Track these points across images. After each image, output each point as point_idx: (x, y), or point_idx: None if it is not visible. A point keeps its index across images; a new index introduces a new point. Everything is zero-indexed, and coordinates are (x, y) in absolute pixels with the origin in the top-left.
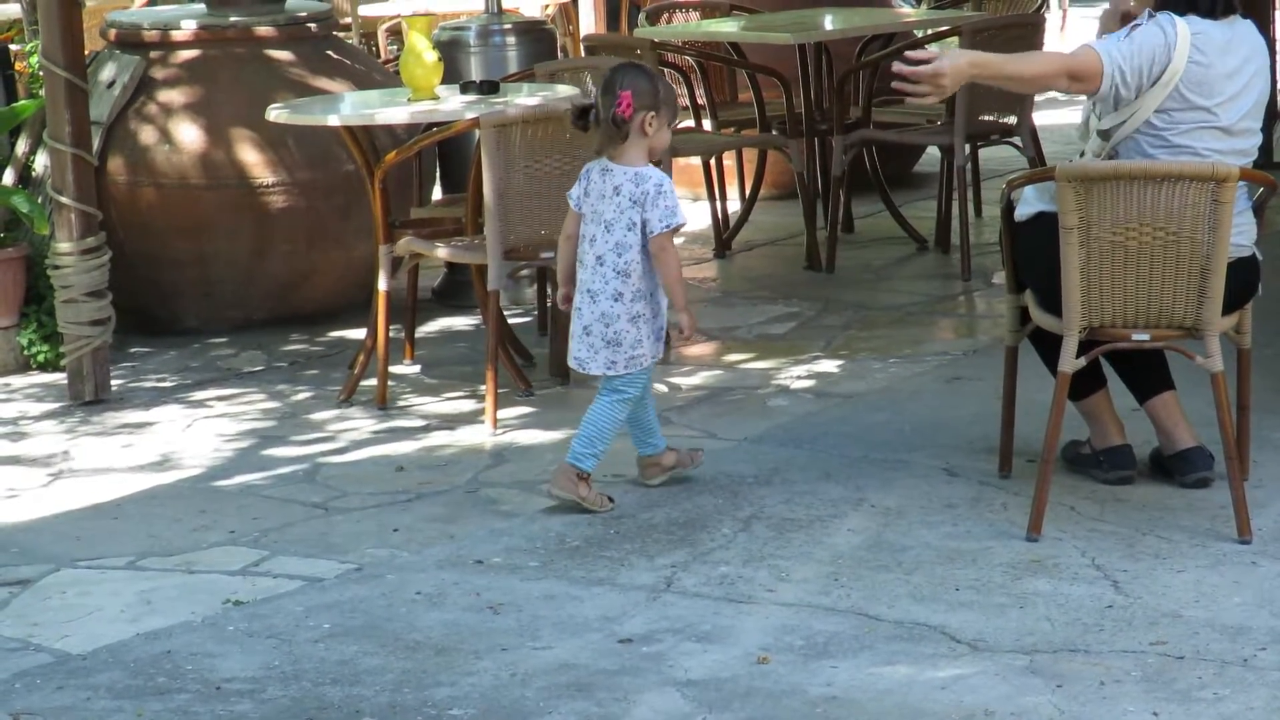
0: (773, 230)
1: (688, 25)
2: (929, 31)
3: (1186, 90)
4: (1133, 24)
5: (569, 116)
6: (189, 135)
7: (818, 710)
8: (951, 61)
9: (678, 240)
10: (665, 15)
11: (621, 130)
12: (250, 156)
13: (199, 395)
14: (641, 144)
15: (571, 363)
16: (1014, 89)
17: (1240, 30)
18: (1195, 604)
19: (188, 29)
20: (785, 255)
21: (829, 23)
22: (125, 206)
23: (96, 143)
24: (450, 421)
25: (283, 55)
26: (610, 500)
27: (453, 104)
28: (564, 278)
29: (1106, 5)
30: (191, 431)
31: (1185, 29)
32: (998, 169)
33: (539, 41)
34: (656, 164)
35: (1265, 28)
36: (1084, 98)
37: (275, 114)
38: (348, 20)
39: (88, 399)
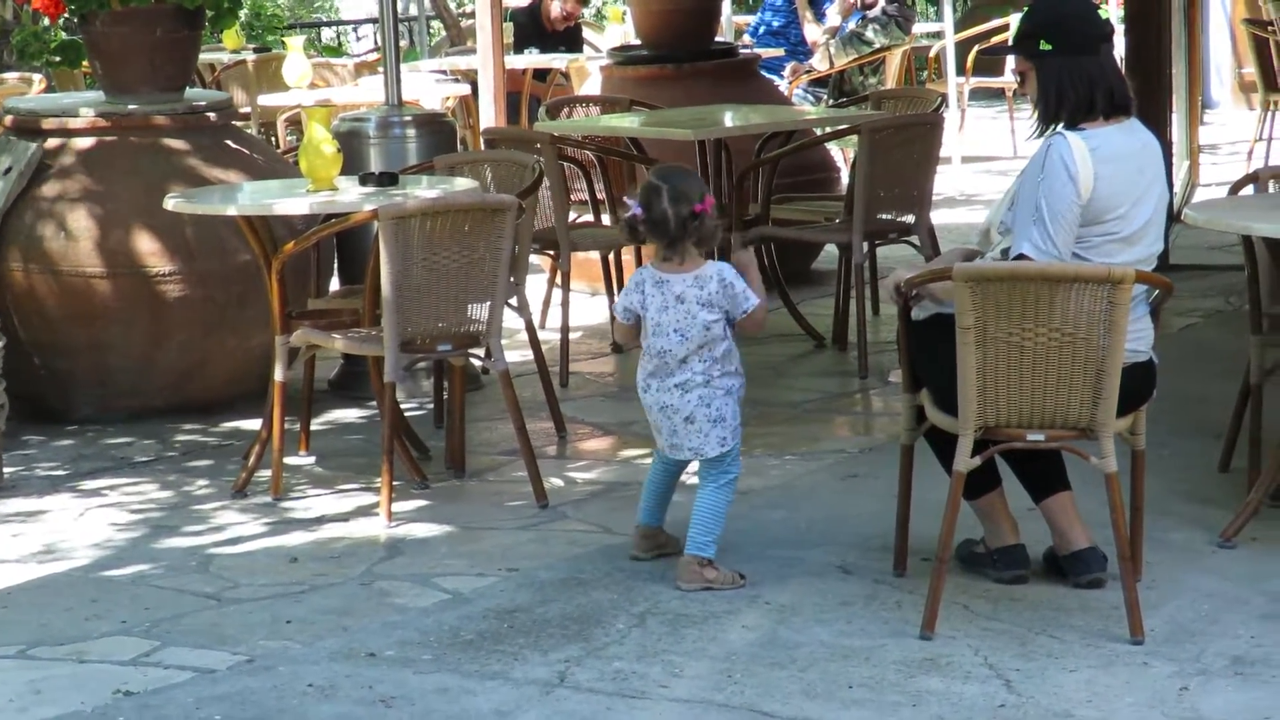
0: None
1: (588, 120)
2: (828, 129)
3: (1095, 208)
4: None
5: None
6: (85, 223)
7: None
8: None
9: (575, 335)
10: (565, 110)
11: (712, 225)
12: (147, 245)
13: (92, 484)
14: (691, 245)
15: (687, 455)
16: None
17: (1136, 134)
18: (1087, 704)
19: (85, 116)
20: None
21: (729, 119)
22: (20, 294)
23: None
24: (345, 513)
25: (181, 144)
26: (742, 576)
27: (351, 195)
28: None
29: (1004, 107)
30: (84, 521)
31: (1083, 148)
32: (895, 267)
33: (439, 134)
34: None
35: (1161, 131)
36: (982, 206)
37: (173, 203)
38: (246, 110)
39: None
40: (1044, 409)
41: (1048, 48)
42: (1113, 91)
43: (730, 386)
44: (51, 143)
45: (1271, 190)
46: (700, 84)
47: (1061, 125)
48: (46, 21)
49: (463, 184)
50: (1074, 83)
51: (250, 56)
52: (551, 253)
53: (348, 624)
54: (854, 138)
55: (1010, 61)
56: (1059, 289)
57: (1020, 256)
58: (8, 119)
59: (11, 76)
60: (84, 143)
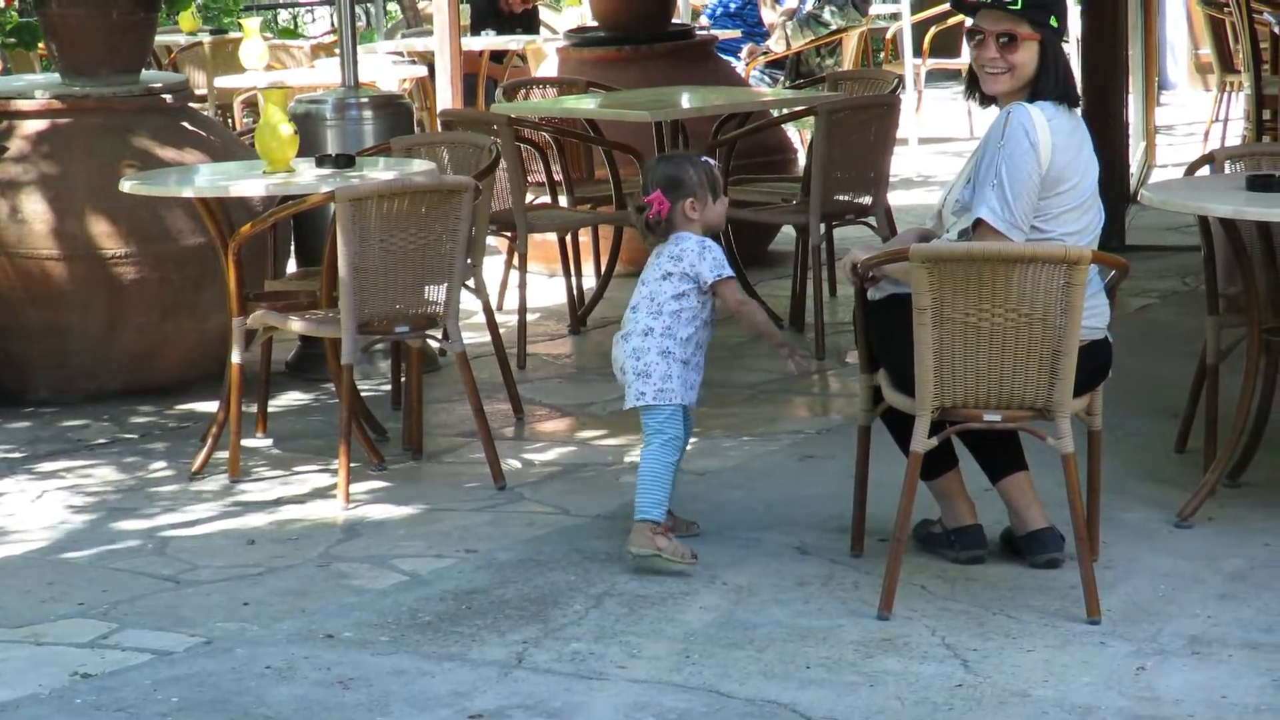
0: (627, 307)
1: (545, 101)
2: (785, 111)
3: (1052, 177)
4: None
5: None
6: (41, 205)
7: None
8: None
9: (532, 316)
10: (522, 91)
11: (663, 228)
12: (103, 227)
13: (49, 466)
14: (693, 226)
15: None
16: None
17: (1076, 117)
18: (1044, 684)
19: (41, 99)
20: None
21: (686, 101)
22: None
23: None
24: (302, 495)
25: (137, 126)
26: (693, 556)
27: (308, 177)
28: None
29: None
30: (41, 503)
31: (1041, 118)
32: (852, 248)
33: (395, 116)
34: (715, 239)
35: (1118, 112)
36: (939, 187)
37: (129, 185)
38: (203, 92)
39: None
40: (1001, 389)
41: (1055, 25)
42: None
43: (668, 350)
44: (6, 125)
45: (1228, 171)
46: (657, 66)
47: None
48: (2, 4)
49: (420, 166)
50: (1064, 64)
51: (206, 39)
52: (509, 234)
53: (305, 606)
54: (811, 119)
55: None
56: (1015, 269)
57: (979, 221)
58: None
59: None
60: (40, 125)
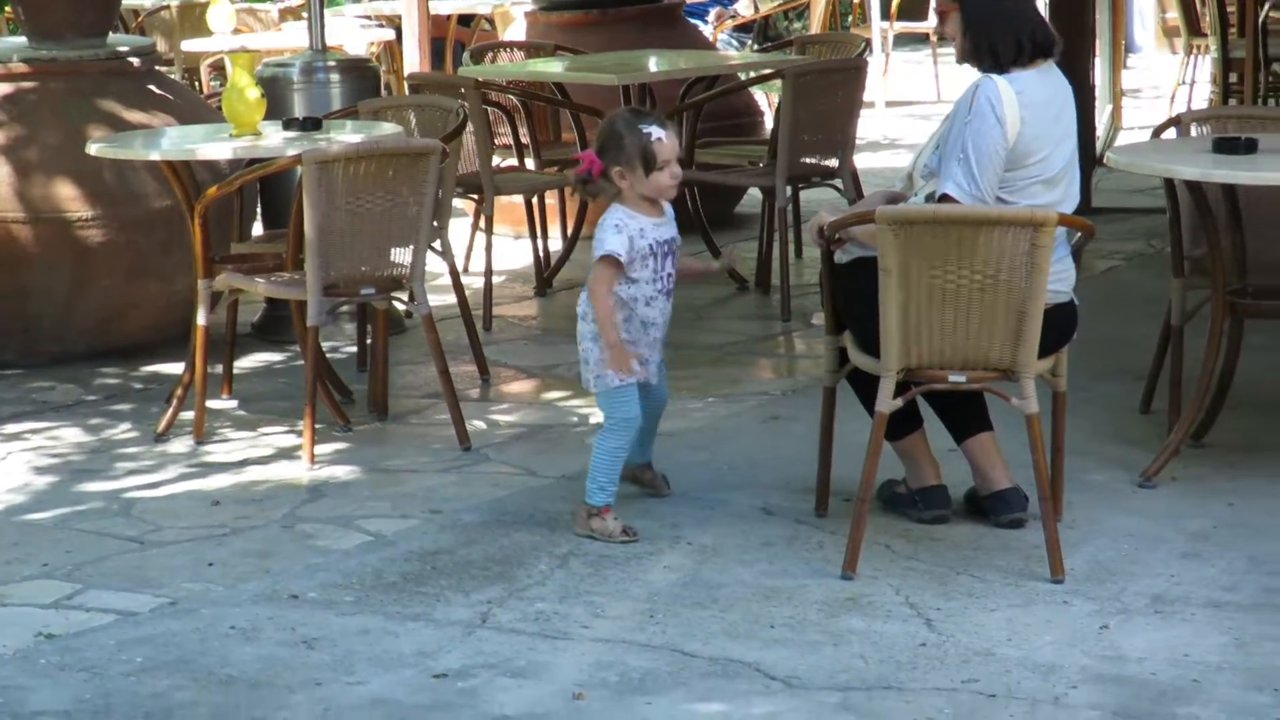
0: None
1: (512, 65)
2: (752, 74)
3: (1020, 150)
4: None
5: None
6: (6, 168)
7: None
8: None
9: (498, 279)
10: (490, 55)
11: (593, 189)
12: (70, 190)
13: (13, 428)
14: (629, 195)
15: None
16: None
17: (1054, 79)
18: (1008, 642)
19: (8, 62)
20: None
21: (653, 64)
22: None
23: None
24: (267, 457)
25: (103, 89)
26: (627, 533)
27: (275, 140)
28: None
29: (928, 51)
30: (5, 465)
31: (1009, 92)
32: (819, 211)
33: (363, 79)
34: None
35: (1084, 75)
36: (906, 150)
37: (96, 148)
38: (170, 55)
39: None
40: (966, 350)
41: None
42: (1034, 33)
43: (592, 335)
44: None
45: (1194, 134)
46: (625, 29)
47: (988, 68)
48: None
49: (387, 129)
50: (994, 24)
51: (174, 2)
52: (475, 197)
53: (270, 566)
54: (778, 82)
55: (933, 2)
56: (981, 231)
57: (945, 197)
58: None
59: None
60: (6, 88)
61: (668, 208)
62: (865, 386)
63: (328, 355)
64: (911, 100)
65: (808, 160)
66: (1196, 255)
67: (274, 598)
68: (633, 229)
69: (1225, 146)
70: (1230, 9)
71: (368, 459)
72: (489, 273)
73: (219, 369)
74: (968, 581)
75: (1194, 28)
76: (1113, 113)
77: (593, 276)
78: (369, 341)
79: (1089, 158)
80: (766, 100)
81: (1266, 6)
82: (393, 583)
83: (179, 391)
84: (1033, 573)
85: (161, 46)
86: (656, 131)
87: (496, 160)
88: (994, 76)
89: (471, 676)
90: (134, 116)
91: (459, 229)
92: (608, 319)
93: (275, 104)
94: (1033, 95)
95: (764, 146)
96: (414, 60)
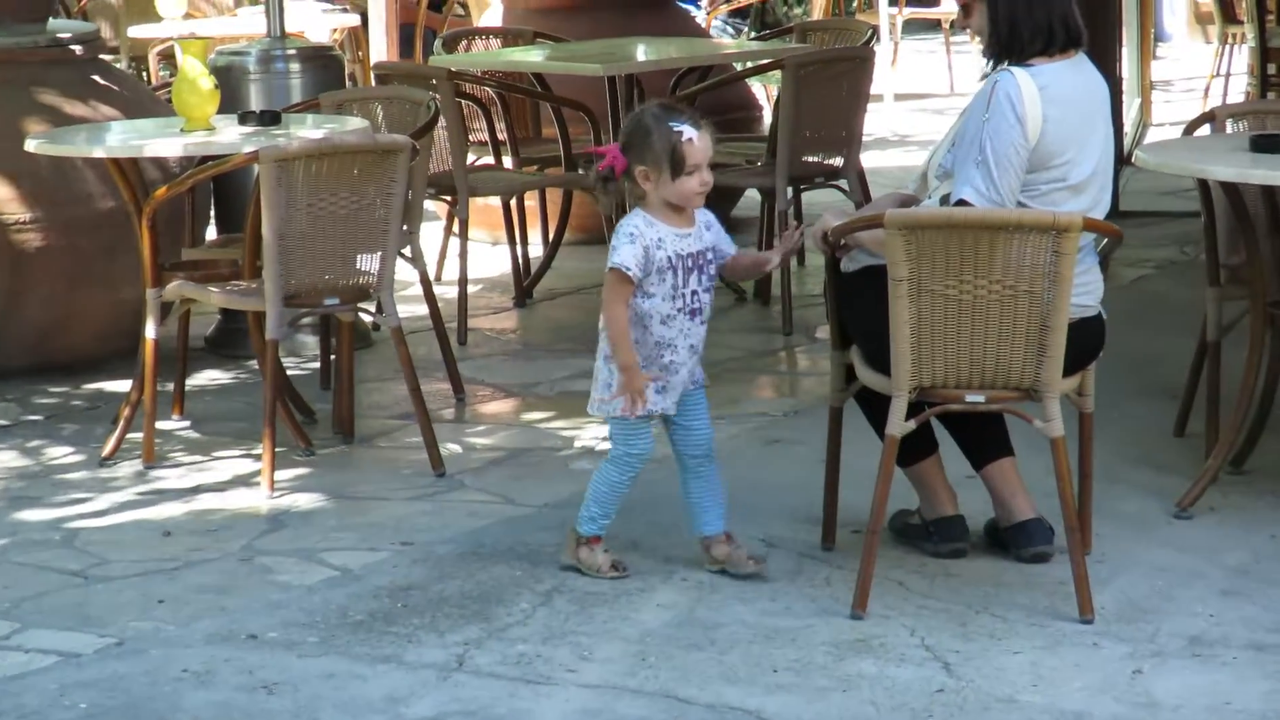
0: (577, 277)
1: (488, 54)
2: (749, 64)
3: (1043, 151)
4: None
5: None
6: None
7: None
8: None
9: (474, 288)
10: (464, 42)
11: (614, 189)
12: (5, 190)
13: None
14: (650, 200)
15: None
16: None
17: (1086, 72)
18: (1032, 689)
19: None
20: (591, 305)
21: (642, 53)
22: None
23: None
24: (223, 483)
25: (43, 80)
26: (616, 568)
27: (230, 136)
28: None
29: (940, 39)
30: None
31: (1031, 87)
32: (823, 214)
33: (325, 69)
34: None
35: (1110, 66)
36: (917, 148)
37: (35, 144)
38: (115, 43)
39: None
40: (984, 368)
41: None
42: (1067, 21)
43: (609, 356)
44: None
45: (1229, 131)
46: (610, 15)
47: (1012, 60)
48: None
49: (352, 123)
50: (1028, 11)
51: None
52: (448, 198)
53: (226, 604)
54: (777, 73)
55: None
56: (1000, 237)
57: (961, 202)
58: None
59: None
60: None
61: (703, 215)
62: (875, 407)
63: (288, 372)
64: (923, 93)
65: (810, 159)
66: (1233, 263)
67: (230, 638)
68: (650, 238)
69: (1264, 144)
70: None
71: (332, 486)
72: (464, 281)
73: (170, 387)
74: (988, 621)
75: (1229, 14)
76: (1141, 107)
77: (604, 289)
78: (333, 357)
79: (1116, 157)
80: (765, 93)
81: None
82: (360, 621)
83: (126, 411)
84: (1059, 611)
85: (106, 33)
86: (689, 131)
87: (471, 158)
88: (1014, 70)
89: None
90: (76, 109)
91: (431, 233)
92: (621, 338)
93: (230, 96)
94: (1059, 90)
95: (763, 144)
96: (381, 48)
